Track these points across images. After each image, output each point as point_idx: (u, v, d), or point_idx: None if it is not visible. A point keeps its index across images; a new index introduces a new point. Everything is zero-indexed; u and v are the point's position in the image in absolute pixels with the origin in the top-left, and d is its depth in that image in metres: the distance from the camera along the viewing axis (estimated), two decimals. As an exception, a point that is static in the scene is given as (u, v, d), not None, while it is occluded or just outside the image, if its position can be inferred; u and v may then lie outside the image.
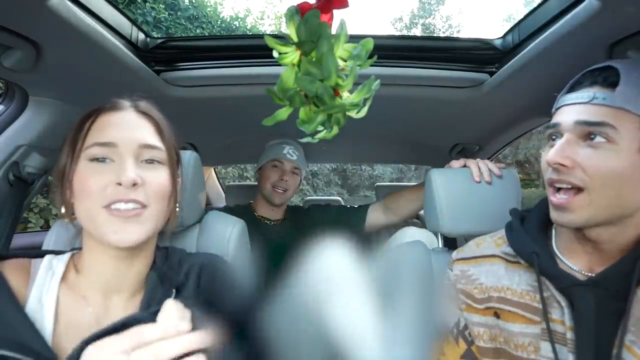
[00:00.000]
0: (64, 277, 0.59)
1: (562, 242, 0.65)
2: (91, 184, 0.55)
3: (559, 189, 0.58)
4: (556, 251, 0.64)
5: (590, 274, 0.59)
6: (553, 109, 0.63)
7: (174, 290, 0.62)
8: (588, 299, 0.56)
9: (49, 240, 0.84)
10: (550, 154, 0.56)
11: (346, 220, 1.51)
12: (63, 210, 0.60)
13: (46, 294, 0.57)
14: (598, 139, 0.53)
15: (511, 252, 0.68)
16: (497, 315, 0.65)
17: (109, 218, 0.55)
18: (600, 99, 0.53)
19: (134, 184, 0.55)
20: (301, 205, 1.88)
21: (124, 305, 0.61)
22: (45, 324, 0.55)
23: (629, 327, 0.54)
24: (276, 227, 1.56)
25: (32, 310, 0.55)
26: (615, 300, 0.55)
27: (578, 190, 0.55)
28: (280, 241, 1.46)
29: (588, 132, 0.54)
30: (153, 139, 0.61)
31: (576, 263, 0.61)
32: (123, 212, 0.55)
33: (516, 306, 0.64)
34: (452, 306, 0.74)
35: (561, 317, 0.58)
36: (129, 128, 0.59)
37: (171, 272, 0.64)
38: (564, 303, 0.58)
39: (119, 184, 0.55)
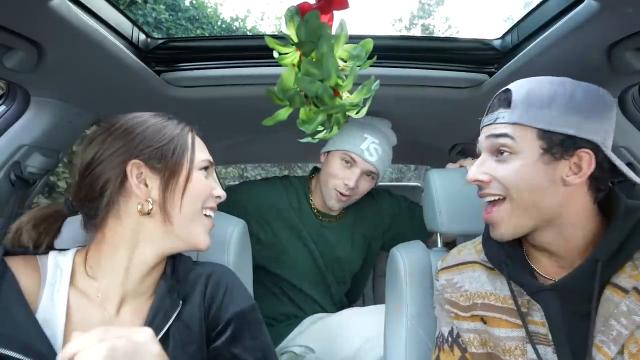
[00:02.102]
0: (72, 276, 0.60)
1: (528, 250, 0.69)
2: (207, 187, 0.65)
3: (487, 204, 0.64)
4: (527, 258, 0.68)
5: (550, 278, 0.64)
6: None
7: (180, 302, 0.63)
8: (553, 302, 0.59)
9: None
10: (469, 173, 0.64)
11: (419, 223, 1.22)
12: (149, 206, 0.60)
13: (57, 293, 0.57)
14: (505, 153, 0.61)
15: None
16: (484, 321, 0.67)
17: (207, 225, 0.66)
18: (501, 118, 0.62)
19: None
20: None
21: (134, 311, 0.62)
22: (58, 322, 0.55)
23: (599, 328, 0.56)
24: (332, 225, 1.27)
25: (45, 309, 0.55)
26: (582, 303, 0.58)
27: (502, 200, 0.62)
28: (334, 246, 1.26)
29: (497, 147, 0.61)
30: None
31: (542, 269, 0.66)
32: (210, 219, 0.66)
33: (500, 311, 0.66)
34: (445, 315, 0.75)
35: (542, 318, 0.61)
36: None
37: (179, 283, 0.66)
38: (537, 306, 0.61)
39: (219, 197, 0.67)
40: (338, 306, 1.33)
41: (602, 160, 0.58)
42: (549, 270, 0.65)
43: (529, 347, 0.61)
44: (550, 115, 0.58)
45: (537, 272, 0.66)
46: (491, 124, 0.63)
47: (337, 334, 1.13)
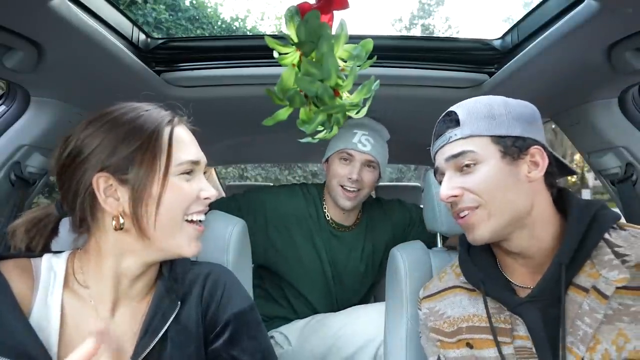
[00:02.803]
0: (66, 279, 0.59)
1: (502, 262, 0.70)
2: (186, 196, 0.58)
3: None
4: (502, 271, 0.69)
5: (526, 287, 0.65)
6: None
7: (179, 303, 0.62)
8: (534, 313, 0.60)
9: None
10: (441, 192, 0.66)
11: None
12: (121, 221, 0.56)
13: (51, 296, 0.56)
14: (468, 165, 0.64)
15: None
16: (469, 345, 0.67)
17: (193, 233, 0.60)
18: (453, 136, 0.66)
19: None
20: (376, 199, 1.43)
21: (130, 314, 0.61)
22: (52, 326, 0.54)
23: (568, 329, 0.58)
24: (347, 236, 1.28)
25: (39, 313, 0.54)
26: (554, 308, 0.59)
27: (475, 208, 0.63)
28: (344, 256, 1.27)
29: (460, 165, 0.64)
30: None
31: (518, 279, 0.67)
32: (199, 226, 0.61)
33: (486, 332, 0.66)
34: (430, 345, 0.75)
35: (526, 332, 0.61)
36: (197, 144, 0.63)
37: (177, 284, 0.64)
38: (519, 320, 0.62)
39: (207, 198, 0.61)
40: (333, 303, 1.33)
41: (549, 158, 0.64)
42: (523, 278, 0.66)
43: None
44: (496, 123, 0.64)
45: (513, 283, 0.67)
46: (445, 144, 0.67)
47: (325, 333, 1.14)
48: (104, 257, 0.58)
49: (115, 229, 0.55)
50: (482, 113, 0.65)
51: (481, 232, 0.63)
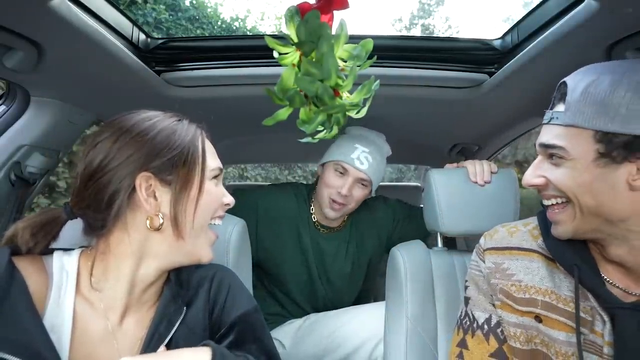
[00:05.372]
0: (77, 279, 0.58)
1: (598, 259, 0.62)
2: (217, 199, 0.64)
3: (550, 205, 0.61)
4: (597, 263, 0.61)
5: (629, 292, 0.58)
6: None
7: (184, 308, 0.63)
8: (631, 322, 0.55)
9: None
10: (524, 177, 0.61)
11: (416, 226, 1.31)
12: (160, 221, 0.57)
13: (64, 296, 0.55)
14: (556, 157, 0.57)
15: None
16: (539, 319, 0.62)
17: (211, 239, 0.64)
18: (555, 119, 0.57)
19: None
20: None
21: (137, 321, 0.61)
22: (65, 328, 0.54)
23: None
24: (332, 237, 1.30)
25: (52, 313, 0.54)
26: None
27: (565, 202, 0.58)
28: (328, 258, 1.29)
29: (548, 152, 0.59)
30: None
31: (614, 279, 0.60)
32: (213, 231, 0.65)
33: (562, 314, 0.60)
34: (483, 300, 0.69)
35: (602, 329, 0.57)
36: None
37: (182, 289, 0.64)
38: (606, 318, 0.57)
39: (228, 204, 0.66)
40: (321, 306, 1.34)
41: None
42: (622, 281, 0.60)
43: (586, 355, 0.57)
44: (610, 115, 0.51)
45: (609, 281, 0.60)
46: (546, 124, 0.59)
47: (320, 334, 1.14)
48: (124, 259, 0.58)
49: (152, 229, 0.57)
50: (597, 97, 0.52)
51: (564, 230, 0.59)
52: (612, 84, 0.51)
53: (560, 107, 0.57)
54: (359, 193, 1.20)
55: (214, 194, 0.63)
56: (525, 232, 0.69)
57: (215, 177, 0.64)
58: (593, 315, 0.58)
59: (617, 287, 0.59)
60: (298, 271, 1.27)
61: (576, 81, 0.55)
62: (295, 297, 1.29)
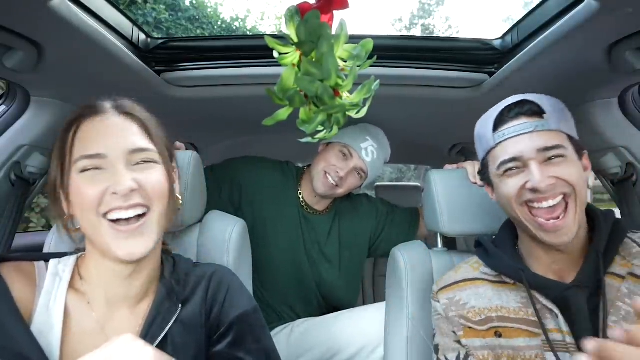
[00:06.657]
0: (70, 283, 0.59)
1: (528, 259, 0.72)
2: (88, 194, 0.54)
3: (547, 211, 0.65)
4: (530, 267, 0.71)
5: (563, 281, 0.67)
6: (484, 150, 0.72)
7: (179, 306, 0.62)
8: (580, 299, 0.63)
9: (50, 240, 0.85)
10: (535, 181, 0.63)
11: (398, 224, 1.35)
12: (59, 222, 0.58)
13: (54, 301, 0.56)
14: (556, 158, 0.64)
15: (491, 272, 0.74)
16: (498, 334, 0.68)
17: (114, 233, 0.54)
18: (540, 127, 0.65)
19: (132, 190, 0.54)
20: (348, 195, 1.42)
21: (129, 314, 0.61)
22: (54, 332, 0.54)
23: (609, 310, 0.62)
24: (316, 219, 1.30)
25: (40, 318, 0.54)
26: (594, 297, 0.63)
27: (565, 199, 0.64)
28: (317, 240, 1.29)
29: (548, 155, 0.64)
30: (141, 141, 0.58)
31: (547, 274, 0.69)
32: (125, 225, 0.55)
33: (516, 322, 0.68)
34: (449, 342, 0.74)
35: (556, 325, 0.64)
36: (114, 134, 0.57)
37: (178, 286, 0.64)
38: (556, 311, 0.64)
39: (115, 193, 0.54)
40: (314, 306, 1.32)
41: None
42: (554, 273, 0.69)
43: (548, 355, 0.63)
44: (570, 124, 0.67)
45: (544, 277, 0.68)
46: (529, 132, 0.65)
47: (318, 338, 1.13)
48: (92, 255, 0.60)
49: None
50: (562, 109, 0.67)
51: (570, 233, 0.63)
52: (560, 104, 0.68)
53: (528, 119, 0.66)
54: (353, 181, 1.24)
55: (82, 190, 0.55)
56: (467, 267, 0.79)
57: (90, 168, 0.55)
58: (543, 315, 0.65)
59: (553, 280, 0.68)
60: (284, 247, 1.24)
61: (542, 99, 0.67)
62: (283, 289, 1.25)
